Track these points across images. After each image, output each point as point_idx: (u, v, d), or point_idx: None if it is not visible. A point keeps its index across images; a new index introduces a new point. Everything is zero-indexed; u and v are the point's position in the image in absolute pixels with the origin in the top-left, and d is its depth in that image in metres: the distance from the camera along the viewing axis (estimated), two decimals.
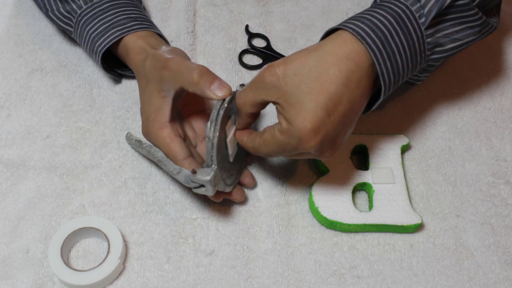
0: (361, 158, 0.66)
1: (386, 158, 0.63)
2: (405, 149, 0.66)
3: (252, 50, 0.75)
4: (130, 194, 0.62)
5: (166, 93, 0.57)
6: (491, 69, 0.74)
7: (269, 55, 0.74)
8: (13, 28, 0.75)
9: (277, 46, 0.75)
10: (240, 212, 0.61)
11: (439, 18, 0.56)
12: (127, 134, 0.63)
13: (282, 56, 0.73)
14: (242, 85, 0.56)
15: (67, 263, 0.56)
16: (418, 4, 0.55)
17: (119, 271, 0.57)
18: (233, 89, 0.57)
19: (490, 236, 0.60)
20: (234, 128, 0.57)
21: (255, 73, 0.72)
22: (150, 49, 0.61)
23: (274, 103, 0.52)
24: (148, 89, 0.58)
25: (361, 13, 0.56)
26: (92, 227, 0.57)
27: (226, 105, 0.54)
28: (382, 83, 0.54)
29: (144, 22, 0.66)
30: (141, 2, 0.72)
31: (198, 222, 0.60)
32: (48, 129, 0.66)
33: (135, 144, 0.62)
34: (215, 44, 0.75)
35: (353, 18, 0.55)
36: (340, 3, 0.80)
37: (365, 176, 0.62)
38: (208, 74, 0.55)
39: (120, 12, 0.65)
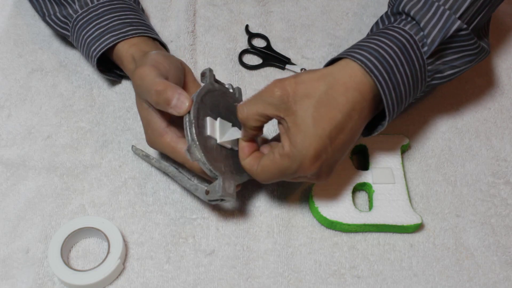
0: (361, 158, 0.66)
1: (386, 158, 0.63)
2: (405, 149, 0.66)
3: (252, 50, 0.75)
4: (130, 194, 0.62)
5: (147, 104, 0.57)
6: (491, 69, 0.74)
7: (269, 55, 0.74)
8: (13, 28, 0.75)
9: (277, 46, 0.75)
10: (240, 212, 0.61)
11: (441, 46, 0.57)
12: (132, 147, 0.64)
13: (282, 56, 0.73)
14: (229, 85, 0.57)
15: (67, 263, 0.56)
16: (422, 33, 0.56)
17: (119, 271, 0.57)
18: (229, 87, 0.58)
19: (490, 236, 0.60)
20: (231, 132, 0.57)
21: (255, 73, 0.72)
22: (138, 59, 0.60)
23: (280, 120, 0.52)
24: (136, 102, 0.59)
25: (366, 40, 0.57)
26: (92, 227, 0.57)
27: (193, 119, 0.53)
28: (387, 113, 0.55)
29: (140, 27, 0.65)
30: (139, 4, 0.72)
31: (198, 222, 0.60)
32: (49, 129, 0.66)
33: (143, 158, 0.63)
34: (215, 44, 0.75)
35: (359, 46, 0.56)
36: (340, 3, 0.80)
37: (365, 176, 0.62)
38: (164, 92, 0.54)
39: (115, 17, 0.64)
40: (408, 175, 0.64)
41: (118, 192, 0.62)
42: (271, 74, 0.73)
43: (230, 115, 0.59)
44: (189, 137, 0.53)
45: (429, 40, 0.56)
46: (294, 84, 0.52)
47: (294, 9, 0.79)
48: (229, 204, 0.61)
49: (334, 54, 0.65)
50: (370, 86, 0.54)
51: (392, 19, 0.59)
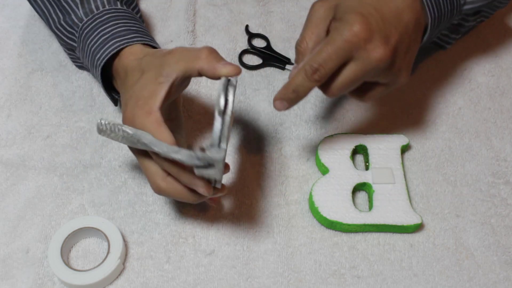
0: (361, 158, 0.66)
1: (386, 158, 0.63)
2: (405, 149, 0.66)
3: (252, 50, 0.75)
4: (130, 194, 0.62)
5: (164, 79, 0.52)
6: (491, 69, 0.74)
7: (269, 55, 0.74)
8: (13, 28, 0.75)
9: (277, 46, 0.75)
10: (240, 212, 0.61)
11: None
12: (99, 120, 0.52)
13: (282, 56, 0.73)
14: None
15: (67, 263, 0.56)
16: None
17: (119, 271, 0.57)
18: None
19: (490, 236, 0.60)
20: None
21: (255, 73, 0.72)
22: (149, 50, 0.58)
23: (333, 20, 0.55)
24: (143, 78, 0.54)
25: None
26: (92, 227, 0.57)
27: (235, 83, 0.50)
28: (429, 15, 0.57)
29: (145, 36, 0.61)
30: (143, 22, 0.68)
31: (198, 222, 0.60)
32: (48, 129, 0.66)
33: (111, 129, 0.52)
34: (215, 44, 0.75)
35: None
36: None
37: (365, 176, 0.62)
38: (217, 53, 0.53)
39: (120, 23, 0.61)
40: (408, 175, 0.64)
41: (118, 192, 0.62)
42: (271, 74, 0.73)
43: None
44: (225, 87, 0.49)
45: None
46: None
47: (294, 9, 0.79)
48: (229, 204, 0.61)
49: None
50: None
51: None
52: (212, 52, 0.53)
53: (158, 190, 0.54)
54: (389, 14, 0.54)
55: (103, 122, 0.53)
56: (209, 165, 0.49)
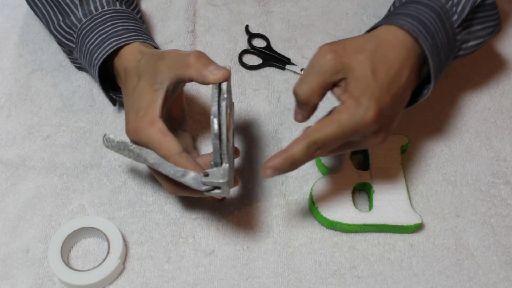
0: (361, 158, 0.66)
1: (386, 158, 0.63)
2: (405, 149, 0.66)
3: (252, 50, 0.75)
4: (130, 194, 0.62)
5: (159, 86, 0.53)
6: (491, 69, 0.74)
7: (269, 55, 0.74)
8: (13, 28, 0.75)
9: (277, 46, 0.75)
10: (240, 212, 0.61)
11: (468, 16, 0.58)
12: (105, 136, 0.55)
13: (282, 56, 0.73)
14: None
15: (67, 263, 0.56)
16: (450, 2, 0.57)
17: (119, 271, 0.57)
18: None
19: (490, 236, 0.60)
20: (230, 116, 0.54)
21: (255, 73, 0.72)
22: (147, 49, 0.58)
23: (339, 83, 0.52)
24: (139, 85, 0.54)
25: (401, 8, 0.58)
26: (92, 227, 0.57)
27: (226, 95, 0.50)
28: (432, 76, 0.55)
29: (143, 35, 0.61)
30: (143, 22, 0.69)
31: (198, 222, 0.60)
32: (48, 129, 0.66)
33: (117, 147, 0.55)
34: (215, 44, 0.75)
35: (398, 14, 0.56)
36: (340, 3, 0.80)
37: (365, 176, 0.62)
38: (205, 58, 0.52)
39: (118, 23, 0.61)
40: (408, 175, 0.64)
41: (118, 192, 0.62)
42: (271, 74, 0.73)
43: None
44: (216, 109, 0.49)
45: (459, 9, 0.57)
46: (342, 44, 0.52)
47: (294, 9, 0.79)
48: (229, 204, 0.61)
49: None
50: (413, 46, 0.54)
51: None
52: (200, 57, 0.52)
53: (172, 192, 0.55)
54: (398, 93, 0.53)
55: (109, 138, 0.54)
56: (215, 187, 0.50)
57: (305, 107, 0.54)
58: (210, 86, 0.51)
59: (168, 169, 0.51)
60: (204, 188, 0.50)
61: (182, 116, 0.60)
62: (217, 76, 0.50)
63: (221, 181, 0.49)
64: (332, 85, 0.52)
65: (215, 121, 0.48)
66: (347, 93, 0.51)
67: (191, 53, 0.52)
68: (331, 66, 0.51)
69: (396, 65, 0.52)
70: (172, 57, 0.53)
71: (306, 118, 0.55)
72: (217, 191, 0.50)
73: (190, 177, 0.50)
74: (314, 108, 0.54)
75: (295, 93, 0.53)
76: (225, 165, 0.49)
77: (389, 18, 0.57)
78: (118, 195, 0.62)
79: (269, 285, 0.57)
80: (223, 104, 0.49)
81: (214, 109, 0.49)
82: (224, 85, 0.51)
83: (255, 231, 0.60)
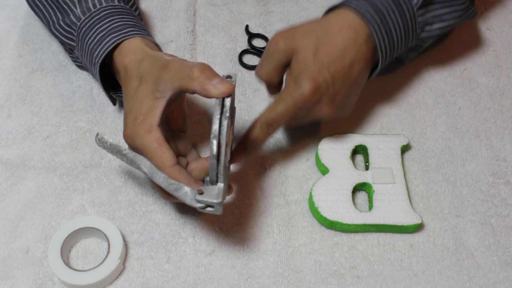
0: (361, 158, 0.66)
1: (386, 158, 0.63)
2: (405, 149, 0.66)
3: (252, 50, 0.75)
4: (130, 194, 0.62)
5: (161, 94, 0.53)
6: (491, 69, 0.74)
7: None
8: (13, 28, 0.75)
9: None
10: (240, 212, 0.61)
11: (430, 0, 0.62)
12: (97, 135, 0.54)
13: None
14: (228, 76, 0.53)
15: (67, 263, 0.56)
16: None
17: (119, 271, 0.57)
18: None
19: (490, 236, 0.60)
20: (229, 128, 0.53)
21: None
22: (149, 50, 0.58)
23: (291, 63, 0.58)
24: (140, 89, 0.54)
25: None
26: (92, 227, 0.57)
27: (228, 114, 0.49)
28: (379, 53, 0.60)
29: (142, 30, 0.62)
30: (139, 14, 0.69)
31: (198, 222, 0.60)
32: (48, 129, 0.66)
33: (110, 149, 0.54)
34: (215, 44, 0.75)
35: None
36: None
37: (365, 176, 0.62)
38: (209, 70, 0.52)
39: (117, 19, 0.61)
40: (408, 175, 0.64)
41: (118, 192, 0.62)
42: None
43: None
44: (217, 129, 0.49)
45: None
46: (292, 30, 0.59)
47: (294, 9, 0.79)
48: (229, 204, 0.61)
49: None
50: (364, 28, 0.59)
51: None
52: (204, 70, 0.52)
53: (166, 199, 0.56)
54: (341, 70, 0.58)
55: (102, 139, 0.54)
56: (207, 205, 0.50)
57: (269, 86, 0.62)
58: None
59: (161, 180, 0.51)
60: (198, 205, 0.50)
61: (182, 117, 0.60)
62: (220, 91, 0.51)
63: (215, 201, 0.50)
64: (286, 66, 0.59)
65: (215, 142, 0.48)
66: (289, 76, 0.58)
67: (195, 65, 0.52)
68: (281, 50, 0.58)
69: (340, 45, 0.57)
70: (176, 67, 0.53)
71: (275, 92, 0.63)
72: (210, 209, 0.50)
73: (184, 192, 0.50)
74: (279, 84, 0.62)
75: (256, 76, 0.61)
76: (220, 185, 0.50)
77: (344, 1, 0.61)
78: (118, 195, 0.62)
79: (269, 285, 0.57)
80: (225, 123, 0.49)
81: (215, 128, 0.49)
82: (227, 101, 0.50)
83: (255, 231, 0.60)
